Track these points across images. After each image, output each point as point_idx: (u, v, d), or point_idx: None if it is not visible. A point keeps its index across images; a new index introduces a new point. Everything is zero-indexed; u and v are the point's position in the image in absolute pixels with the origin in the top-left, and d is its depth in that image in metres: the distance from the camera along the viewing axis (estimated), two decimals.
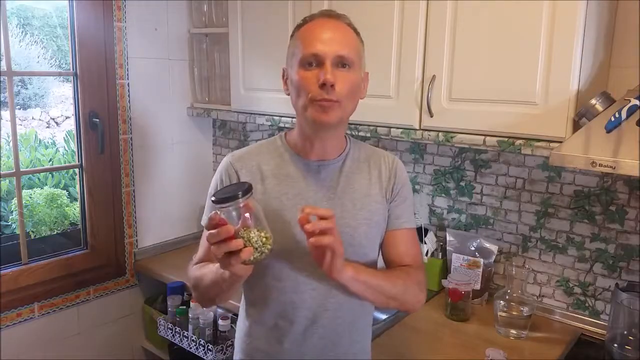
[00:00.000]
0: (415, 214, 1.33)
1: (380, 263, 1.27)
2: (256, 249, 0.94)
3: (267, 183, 1.17)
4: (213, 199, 0.95)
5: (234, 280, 1.04)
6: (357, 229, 1.17)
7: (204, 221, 1.22)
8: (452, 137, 1.55)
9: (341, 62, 1.07)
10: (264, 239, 0.96)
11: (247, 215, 0.96)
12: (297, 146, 1.19)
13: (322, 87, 1.06)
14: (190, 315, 2.00)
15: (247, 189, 0.95)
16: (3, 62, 1.89)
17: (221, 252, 0.93)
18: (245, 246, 0.93)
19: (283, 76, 1.18)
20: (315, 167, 1.18)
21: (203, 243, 1.23)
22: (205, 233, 1.22)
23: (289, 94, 1.16)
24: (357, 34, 1.14)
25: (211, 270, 1.08)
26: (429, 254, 1.91)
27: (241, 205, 0.95)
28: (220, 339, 1.96)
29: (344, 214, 1.16)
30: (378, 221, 1.21)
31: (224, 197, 0.94)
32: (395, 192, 1.23)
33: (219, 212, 0.94)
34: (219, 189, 1.20)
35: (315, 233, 0.96)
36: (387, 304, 1.17)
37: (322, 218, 0.97)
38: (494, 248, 1.83)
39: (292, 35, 1.15)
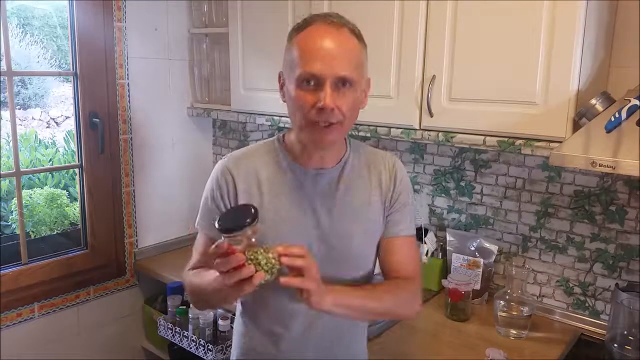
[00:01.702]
0: (415, 217, 1.31)
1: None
2: (266, 271, 0.93)
3: (263, 190, 1.13)
4: (218, 227, 0.92)
5: (240, 295, 1.02)
6: (352, 241, 1.15)
7: (198, 223, 1.21)
8: (452, 137, 1.55)
9: (342, 82, 1.01)
10: (273, 260, 0.94)
11: (253, 239, 0.94)
12: (295, 152, 1.15)
13: (321, 111, 1.00)
14: (190, 315, 2.00)
15: (254, 216, 0.92)
16: (3, 62, 1.89)
17: (232, 281, 0.91)
18: (255, 270, 0.92)
19: (279, 81, 1.13)
20: (312, 175, 1.14)
21: (197, 247, 1.21)
22: (200, 236, 1.21)
23: (285, 101, 1.11)
24: (360, 39, 1.07)
25: (210, 279, 1.04)
26: (429, 254, 1.91)
27: (249, 232, 0.93)
28: (220, 339, 1.96)
29: (342, 223, 1.14)
30: (376, 230, 1.19)
31: (231, 227, 0.91)
32: (394, 198, 1.19)
33: (225, 240, 0.91)
34: (215, 195, 1.16)
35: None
36: (377, 319, 1.16)
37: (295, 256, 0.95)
38: (494, 248, 1.83)
39: (289, 38, 1.07)
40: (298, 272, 0.96)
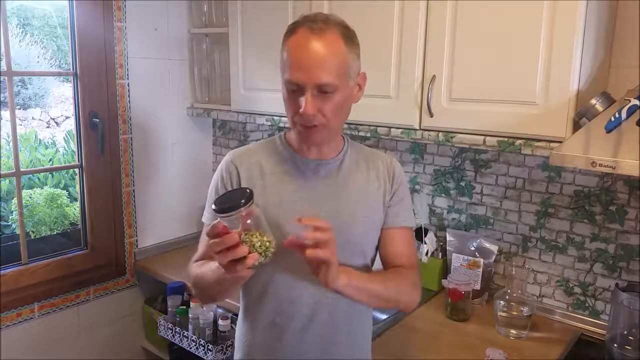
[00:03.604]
0: (415, 214, 1.32)
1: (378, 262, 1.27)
2: (260, 253, 0.95)
3: (266, 179, 1.18)
4: (214, 207, 0.95)
5: (237, 281, 1.05)
6: (355, 226, 1.18)
7: (204, 217, 1.24)
8: (452, 137, 1.55)
9: (322, 89, 1.05)
10: (267, 243, 0.96)
11: (248, 221, 0.96)
12: (295, 147, 1.21)
13: (302, 115, 1.06)
14: (190, 315, 2.00)
15: (249, 197, 0.95)
16: (3, 62, 1.89)
17: (226, 260, 0.93)
18: (249, 252, 0.93)
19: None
20: (313, 165, 1.19)
21: (203, 240, 1.23)
22: (206, 229, 1.22)
23: None
24: (348, 39, 1.08)
25: (212, 269, 1.08)
26: (429, 254, 1.91)
27: (243, 213, 0.95)
28: (220, 339, 1.96)
29: (342, 210, 1.17)
30: (375, 219, 1.22)
31: (227, 207, 0.94)
32: (393, 191, 1.24)
33: (220, 221, 0.94)
34: (219, 188, 1.20)
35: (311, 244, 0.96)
36: (381, 306, 1.18)
37: (318, 229, 0.97)
38: (494, 248, 1.83)
39: (282, 41, 1.11)
40: (317, 246, 0.96)
